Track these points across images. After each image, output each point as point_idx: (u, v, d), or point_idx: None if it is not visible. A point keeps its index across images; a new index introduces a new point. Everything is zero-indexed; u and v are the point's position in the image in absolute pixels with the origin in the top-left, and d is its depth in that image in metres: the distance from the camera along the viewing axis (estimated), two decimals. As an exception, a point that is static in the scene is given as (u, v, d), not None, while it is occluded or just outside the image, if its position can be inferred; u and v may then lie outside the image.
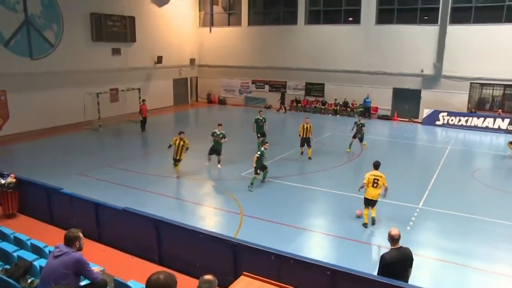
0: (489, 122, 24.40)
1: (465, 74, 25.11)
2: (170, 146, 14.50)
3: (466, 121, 25.08)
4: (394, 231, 6.41)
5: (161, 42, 30.13)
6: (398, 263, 6.30)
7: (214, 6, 33.70)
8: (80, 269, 5.19)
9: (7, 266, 6.13)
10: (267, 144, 14.43)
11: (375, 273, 6.53)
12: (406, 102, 27.53)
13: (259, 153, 13.97)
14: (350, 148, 18.61)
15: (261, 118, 18.24)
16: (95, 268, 5.62)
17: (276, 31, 31.30)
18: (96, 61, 25.13)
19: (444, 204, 12.51)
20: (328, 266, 6.55)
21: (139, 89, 26.06)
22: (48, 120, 22.23)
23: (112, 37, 26.14)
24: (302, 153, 17.47)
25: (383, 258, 6.35)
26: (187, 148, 14.45)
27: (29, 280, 5.80)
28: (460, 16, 25.18)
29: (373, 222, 10.98)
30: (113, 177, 14.64)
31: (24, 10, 21.01)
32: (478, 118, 24.77)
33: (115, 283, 5.76)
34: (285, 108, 30.75)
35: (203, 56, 34.79)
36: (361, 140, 18.55)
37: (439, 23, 25.47)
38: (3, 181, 10.31)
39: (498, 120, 24.05)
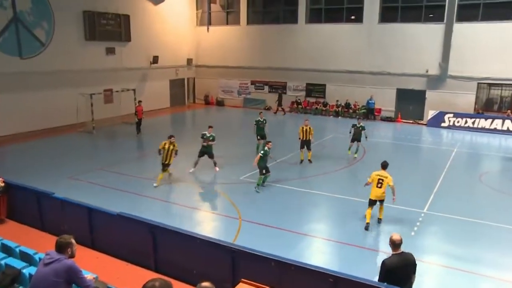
0: (497, 124, 24.41)
1: (472, 74, 25.14)
2: (160, 152, 14.11)
3: (473, 122, 25.10)
4: (396, 236, 6.43)
5: (157, 42, 30.17)
6: (399, 269, 6.30)
7: (211, 4, 33.78)
8: (72, 276, 5.14)
9: (-6, 275, 6.08)
10: (270, 143, 14.45)
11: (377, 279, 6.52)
12: (410, 103, 27.56)
13: (262, 152, 14.04)
14: (350, 150, 18.42)
15: (261, 120, 18.23)
16: (88, 276, 5.58)
17: (276, 30, 31.37)
18: (90, 61, 25.13)
19: (450, 208, 12.50)
20: (331, 273, 6.52)
21: (134, 90, 26.08)
22: (39, 122, 22.21)
23: (106, 36, 26.16)
24: (301, 161, 17.10)
25: (384, 264, 6.35)
26: (176, 151, 14.25)
27: (18, 289, 5.76)
28: (467, 13, 25.19)
29: (379, 221, 11.38)
30: (107, 180, 14.62)
31: (13, 7, 20.91)
32: (485, 120, 24.78)
33: (108, 291, 5.73)
34: (283, 109, 30.76)
35: (201, 56, 34.83)
36: (358, 140, 18.15)
37: (445, 21, 25.52)
38: (-9, 185, 10.28)
39: (507, 122, 24.05)
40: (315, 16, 30.19)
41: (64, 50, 23.50)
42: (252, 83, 33.23)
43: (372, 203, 11.09)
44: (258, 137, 18.14)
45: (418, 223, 11.45)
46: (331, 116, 29.58)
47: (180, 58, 33.20)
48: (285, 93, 31.76)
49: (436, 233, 11.16)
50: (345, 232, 11.03)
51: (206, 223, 11.71)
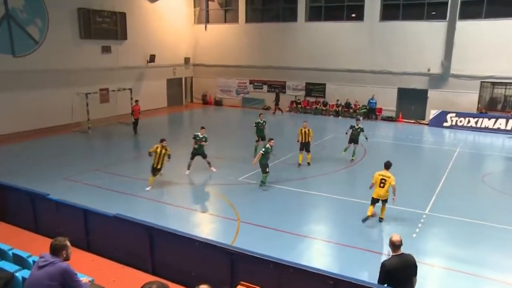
0: (501, 123, 24.42)
1: (475, 72, 25.15)
2: (150, 154, 13.95)
3: (476, 122, 25.13)
4: (395, 237, 6.45)
5: (154, 40, 30.16)
6: (399, 271, 6.30)
7: (209, 2, 33.77)
8: (67, 280, 5.13)
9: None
10: (272, 141, 14.58)
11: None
12: (411, 102, 27.58)
13: (263, 149, 14.12)
14: (345, 151, 18.12)
15: (261, 122, 18.22)
16: (84, 279, 5.56)
17: (275, 28, 31.38)
18: (85, 60, 25.10)
19: (453, 209, 12.51)
20: (331, 276, 6.51)
21: (130, 90, 26.06)
22: (33, 122, 22.17)
23: (102, 34, 26.12)
24: (299, 165, 16.88)
25: (383, 265, 6.36)
26: (169, 156, 14.01)
27: (10, 292, 5.75)
28: (471, 10, 25.16)
29: (380, 221, 11.59)
30: (103, 182, 14.60)
31: (4, 3, 20.82)
32: (489, 119, 24.81)
33: (104, 294, 5.73)
34: (280, 109, 30.80)
35: (198, 54, 34.83)
36: (356, 142, 17.87)
37: (447, 18, 25.54)
38: (-16, 187, 10.26)
39: (511, 121, 24.04)
40: (315, 14, 30.21)
41: (58, 48, 23.45)
42: (251, 82, 33.23)
43: (374, 201, 11.49)
44: (257, 139, 18.09)
45: (420, 225, 11.46)
46: (331, 116, 29.60)
47: (177, 56, 33.20)
48: (284, 92, 31.78)
49: (438, 235, 11.18)
50: (345, 233, 11.05)
51: (204, 225, 11.71)
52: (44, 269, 5.04)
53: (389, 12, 27.62)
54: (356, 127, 17.67)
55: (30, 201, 10.16)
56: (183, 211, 12.68)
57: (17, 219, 10.43)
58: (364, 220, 11.51)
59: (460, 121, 25.57)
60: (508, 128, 24.04)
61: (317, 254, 10.14)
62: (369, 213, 11.55)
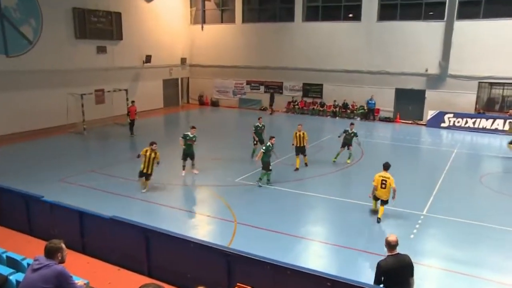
0: (498, 124, 24.50)
1: (473, 73, 25.24)
2: (139, 156, 13.73)
3: (474, 122, 25.21)
4: (391, 237, 6.49)
5: (150, 40, 30.13)
6: (395, 271, 6.34)
7: (206, 2, 33.82)
8: (62, 282, 5.12)
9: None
10: (273, 139, 14.70)
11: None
12: (409, 103, 27.66)
13: (264, 148, 14.25)
14: (337, 157, 17.62)
15: (260, 126, 18.04)
16: (79, 282, 5.56)
17: (272, 28, 31.41)
18: (80, 60, 25.03)
19: (450, 210, 12.56)
20: (328, 277, 6.52)
21: (126, 90, 26.05)
22: (27, 123, 22.07)
23: (97, 34, 26.06)
24: (297, 169, 16.60)
25: (379, 266, 6.41)
26: (158, 162, 13.72)
27: (4, 296, 5.74)
28: (469, 10, 25.24)
29: (378, 221, 11.67)
30: (99, 183, 14.58)
31: (-3, 2, 20.71)
32: (486, 120, 24.90)
33: (100, 296, 5.72)
34: (271, 109, 30.94)
35: (195, 55, 34.83)
36: (349, 144, 17.61)
37: (445, 18, 25.63)
38: (-22, 189, 10.22)
39: (509, 122, 24.11)
40: (312, 14, 30.25)
41: (53, 48, 23.37)
42: (248, 83, 33.25)
43: (376, 198, 11.88)
44: (255, 142, 17.98)
45: (417, 225, 11.50)
46: (329, 117, 29.65)
47: (173, 57, 33.18)
48: (282, 93, 31.82)
49: (436, 236, 11.22)
50: (343, 235, 11.08)
51: (201, 226, 11.70)
52: (39, 272, 5.03)
53: (386, 12, 27.67)
54: (350, 131, 17.43)
55: (24, 203, 10.12)
56: (179, 212, 12.68)
57: (11, 221, 10.39)
58: (378, 221, 11.69)
59: (458, 122, 25.65)
60: (506, 128, 24.04)
61: (315, 255, 10.16)
62: (374, 207, 12.09)
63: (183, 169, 15.64)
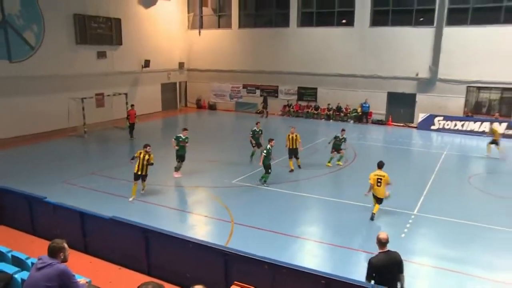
0: (485, 127, 24.49)
1: (461, 77, 25.41)
2: (133, 158, 13.42)
3: (463, 125, 25.35)
4: (382, 235, 6.55)
5: (148, 45, 30.14)
6: (385, 267, 6.41)
7: (203, 8, 33.81)
8: (65, 281, 5.14)
9: (-14, 280, 6.06)
10: (273, 142, 14.85)
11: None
12: (401, 106, 27.77)
13: (265, 151, 14.37)
14: (330, 162, 17.62)
15: (258, 130, 17.88)
16: (81, 280, 5.57)
17: (268, 33, 31.49)
18: (80, 65, 25.01)
19: (440, 210, 12.64)
20: (323, 275, 6.56)
21: (126, 94, 26.05)
22: (30, 126, 22.04)
23: (97, 39, 26.06)
24: (292, 170, 16.63)
25: (370, 262, 6.48)
26: (151, 164, 13.34)
27: (10, 294, 5.75)
28: (457, 17, 25.42)
29: (372, 218, 11.77)
30: (99, 185, 14.59)
31: (1, 10, 20.73)
32: (474, 123, 25.03)
33: (102, 295, 5.73)
34: (267, 112, 31.01)
35: (193, 59, 34.84)
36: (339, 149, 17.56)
37: (435, 24, 25.77)
38: (-17, 190, 10.21)
39: (496, 124, 24.17)
40: (306, 20, 30.34)
41: (54, 54, 23.36)
42: (244, 86, 33.29)
43: (376, 198, 11.95)
44: (254, 145, 17.80)
45: (408, 225, 11.57)
46: (323, 120, 29.71)
47: (172, 62, 33.18)
48: (277, 96, 31.90)
49: (426, 235, 11.29)
50: (337, 234, 11.12)
51: (199, 227, 11.72)
52: (42, 271, 5.05)
53: (378, 18, 27.79)
54: (340, 137, 17.38)
55: (28, 204, 10.13)
56: (177, 213, 12.71)
57: (15, 222, 10.40)
58: (372, 218, 11.82)
59: (447, 124, 25.77)
60: (500, 131, 24.04)
61: (310, 254, 10.19)
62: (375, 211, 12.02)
63: (179, 170, 15.64)
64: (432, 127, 26.11)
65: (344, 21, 29.00)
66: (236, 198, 13.68)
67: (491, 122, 22.09)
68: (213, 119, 31.34)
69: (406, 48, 26.68)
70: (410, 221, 11.88)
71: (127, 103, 24.95)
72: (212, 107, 34.51)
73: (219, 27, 33.81)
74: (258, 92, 32.65)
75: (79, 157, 19.19)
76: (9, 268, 6.31)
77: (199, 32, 33.82)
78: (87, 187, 14.33)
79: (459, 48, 25.10)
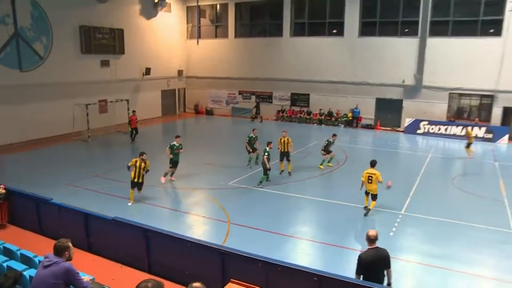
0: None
1: (444, 84, 25.57)
2: (129, 168, 12.98)
3: (446, 129, 25.49)
4: (371, 232, 6.62)
5: (149, 54, 30.13)
6: (374, 263, 6.49)
7: (201, 19, 33.86)
8: (70, 278, 5.17)
9: (-3, 277, 6.05)
10: (272, 144, 14.89)
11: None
12: (388, 111, 27.87)
13: (266, 154, 14.49)
14: (323, 164, 17.56)
15: (254, 137, 17.64)
16: (85, 277, 5.59)
17: (263, 43, 31.56)
18: (85, 73, 24.98)
19: (426, 210, 12.70)
20: (315, 273, 6.59)
21: (127, 100, 26.00)
22: (37, 131, 21.97)
23: (101, 49, 26.04)
24: (282, 171, 16.55)
25: (360, 258, 6.55)
26: (147, 171, 13.02)
27: (19, 290, 5.74)
28: (439, 29, 25.63)
29: (366, 214, 12.04)
30: (102, 187, 14.54)
31: (14, 23, 20.87)
32: (456, 127, 25.18)
33: (104, 291, 5.74)
34: (261, 117, 30.99)
35: (191, 67, 34.85)
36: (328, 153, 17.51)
37: (419, 35, 25.95)
38: (-8, 192, 10.20)
39: (475, 129, 24.32)
40: (299, 30, 30.43)
41: (61, 63, 23.32)
42: (240, 93, 33.30)
43: (367, 193, 12.27)
44: (250, 150, 17.59)
45: (396, 224, 11.61)
46: (315, 124, 29.75)
47: (171, 69, 33.17)
48: (271, 102, 31.95)
49: (413, 233, 11.32)
50: (329, 233, 11.13)
51: (197, 227, 11.69)
52: (49, 268, 5.07)
53: (367, 29, 27.91)
54: (332, 141, 17.43)
55: (35, 205, 10.14)
56: (177, 213, 12.68)
57: (24, 222, 10.42)
58: (366, 213, 12.06)
59: (432, 129, 25.91)
60: (473, 135, 24.00)
61: (303, 252, 10.20)
62: (366, 203, 12.33)
63: (172, 175, 15.50)
64: (418, 131, 26.24)
65: (334, 31, 29.10)
66: (232, 199, 13.68)
67: (467, 126, 22.75)
68: (210, 124, 31.34)
69: (393, 57, 26.82)
70: (398, 220, 11.92)
71: (128, 109, 24.91)
72: (209, 112, 34.49)
73: (216, 36, 33.84)
74: (253, 98, 32.66)
75: (83, 161, 19.11)
76: (18, 266, 6.34)
77: (197, 41, 33.82)
78: (91, 189, 14.28)
79: (442, 57, 25.27)
